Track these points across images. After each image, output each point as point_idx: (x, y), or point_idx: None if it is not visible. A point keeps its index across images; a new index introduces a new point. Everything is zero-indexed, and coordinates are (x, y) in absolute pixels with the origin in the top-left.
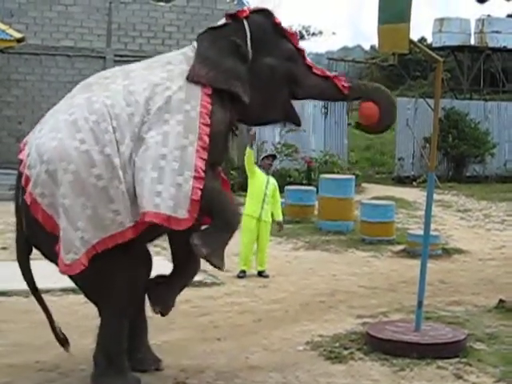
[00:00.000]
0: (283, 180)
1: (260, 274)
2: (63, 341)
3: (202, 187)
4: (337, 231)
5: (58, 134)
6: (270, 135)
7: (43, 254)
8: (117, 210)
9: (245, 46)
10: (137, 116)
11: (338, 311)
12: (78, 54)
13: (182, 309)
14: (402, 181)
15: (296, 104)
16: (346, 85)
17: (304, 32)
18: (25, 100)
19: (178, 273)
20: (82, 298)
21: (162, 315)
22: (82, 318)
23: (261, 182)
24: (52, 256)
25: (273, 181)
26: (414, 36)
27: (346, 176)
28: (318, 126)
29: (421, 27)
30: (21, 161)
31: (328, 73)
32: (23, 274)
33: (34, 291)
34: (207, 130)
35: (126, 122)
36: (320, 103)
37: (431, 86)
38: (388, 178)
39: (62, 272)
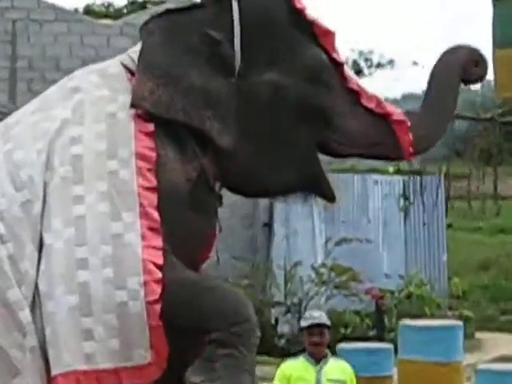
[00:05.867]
0: (335, 331)
1: None
2: None
3: (161, 295)
4: None
5: None
6: (308, 250)
7: None
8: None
9: (228, 45)
10: (36, 203)
11: None
12: None
13: None
14: None
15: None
16: (411, 138)
17: (362, 62)
18: None
19: None
20: None
21: None
22: None
23: None
24: None
25: (336, 375)
26: None
27: (446, 321)
28: (393, 232)
29: None
30: None
31: (388, 107)
32: None
33: None
34: (153, 197)
35: (20, 218)
36: (396, 191)
37: None
38: None
39: None
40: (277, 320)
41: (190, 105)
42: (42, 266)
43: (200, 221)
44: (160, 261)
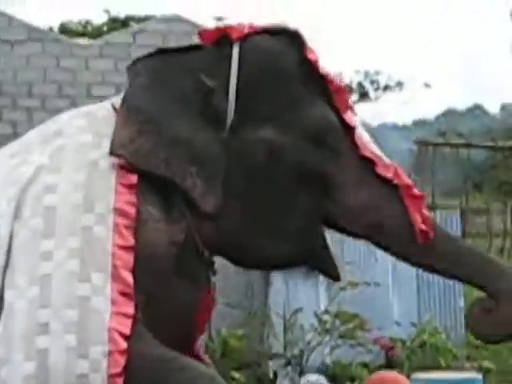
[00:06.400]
0: None
1: None
2: None
3: (125, 368)
4: None
5: None
6: (310, 296)
7: None
8: None
9: (223, 94)
10: (0, 256)
11: None
12: None
13: None
14: None
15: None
16: (426, 217)
17: (367, 84)
18: None
19: None
20: None
21: None
22: None
23: None
24: None
25: None
26: None
27: (464, 374)
28: (404, 274)
29: None
30: None
31: (407, 179)
32: None
33: None
34: (129, 258)
35: None
36: None
37: None
38: None
39: None
40: (275, 374)
41: (173, 157)
42: (1, 327)
43: (185, 287)
44: (127, 330)
